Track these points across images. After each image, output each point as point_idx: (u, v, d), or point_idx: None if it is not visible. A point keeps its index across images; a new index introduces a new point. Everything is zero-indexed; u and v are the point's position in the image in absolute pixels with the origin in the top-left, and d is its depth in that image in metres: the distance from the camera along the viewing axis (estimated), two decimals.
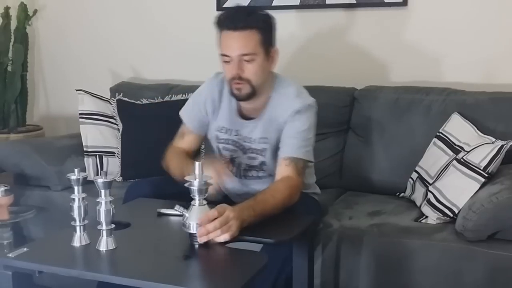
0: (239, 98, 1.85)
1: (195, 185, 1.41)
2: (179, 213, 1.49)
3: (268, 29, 1.83)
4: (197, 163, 1.42)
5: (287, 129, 1.83)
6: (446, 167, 2.07)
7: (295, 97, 1.85)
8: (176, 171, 1.86)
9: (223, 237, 1.42)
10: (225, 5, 2.87)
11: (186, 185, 1.43)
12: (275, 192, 1.67)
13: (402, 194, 2.32)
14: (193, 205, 1.44)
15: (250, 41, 1.77)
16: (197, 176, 1.40)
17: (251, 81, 1.80)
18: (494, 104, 2.26)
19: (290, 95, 1.86)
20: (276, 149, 1.87)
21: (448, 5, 2.53)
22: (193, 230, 1.42)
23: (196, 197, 1.43)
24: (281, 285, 1.68)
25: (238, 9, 1.86)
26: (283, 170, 1.78)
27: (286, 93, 1.87)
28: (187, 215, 1.43)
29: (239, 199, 1.94)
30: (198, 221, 1.41)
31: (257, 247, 1.52)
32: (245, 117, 1.93)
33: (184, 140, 2.02)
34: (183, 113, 2.04)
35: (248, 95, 1.83)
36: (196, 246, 1.42)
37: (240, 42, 1.76)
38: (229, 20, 1.78)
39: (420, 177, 2.19)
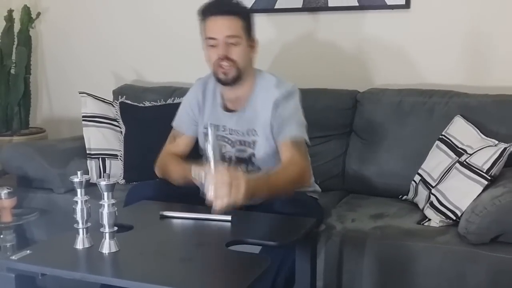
0: (225, 82, 1.91)
1: (209, 149, 1.42)
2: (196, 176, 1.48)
3: (249, 19, 1.93)
4: (209, 126, 1.44)
5: (276, 118, 1.88)
6: (449, 169, 2.07)
7: (275, 87, 1.92)
8: (176, 174, 1.90)
9: (229, 198, 1.41)
10: None
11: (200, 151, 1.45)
12: (286, 170, 1.73)
13: (405, 197, 2.31)
14: (209, 167, 1.45)
15: (234, 24, 1.87)
16: (211, 141, 1.43)
17: (237, 63, 1.87)
18: (497, 106, 2.25)
19: (271, 86, 1.93)
20: (265, 141, 1.91)
21: (450, 7, 2.52)
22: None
23: (212, 162, 1.44)
24: (280, 286, 1.68)
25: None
26: (288, 154, 1.82)
27: (267, 85, 1.93)
28: (203, 180, 1.45)
29: None
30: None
31: (255, 249, 1.52)
32: (229, 110, 1.98)
33: (177, 143, 2.07)
34: (175, 121, 2.11)
35: (234, 79, 1.89)
36: (213, 210, 1.43)
37: (226, 24, 1.87)
38: (214, 6, 1.90)
39: (423, 180, 2.19)
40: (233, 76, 1.88)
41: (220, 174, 1.44)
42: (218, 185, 1.42)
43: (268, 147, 1.90)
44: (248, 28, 1.91)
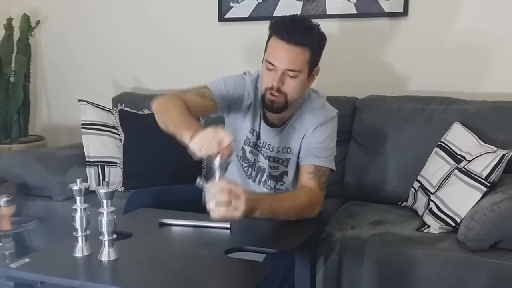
0: (269, 109, 1.83)
1: (216, 161, 1.44)
2: (200, 186, 1.48)
3: (318, 50, 1.80)
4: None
5: (309, 141, 1.84)
6: (448, 176, 2.07)
7: (319, 110, 1.86)
8: (170, 120, 1.63)
9: (225, 214, 1.43)
10: (226, 16, 2.89)
11: (206, 161, 1.45)
12: (295, 196, 1.69)
13: (404, 204, 2.31)
14: (214, 180, 1.46)
15: (299, 59, 1.74)
16: (219, 154, 1.44)
17: (287, 96, 1.77)
18: (495, 113, 2.26)
19: (315, 109, 1.86)
20: (297, 161, 1.88)
21: (448, 15, 2.54)
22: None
23: (217, 173, 1.45)
24: None
25: (297, 21, 1.75)
26: (305, 180, 1.78)
27: (312, 108, 1.87)
28: (206, 188, 1.45)
29: None
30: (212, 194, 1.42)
31: (259, 257, 1.52)
32: (268, 123, 1.90)
33: (198, 98, 1.77)
34: (212, 83, 1.84)
35: (279, 109, 1.80)
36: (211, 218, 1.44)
37: (290, 56, 1.72)
38: (285, 30, 1.72)
39: (422, 187, 2.19)
40: (279, 107, 1.79)
41: (220, 192, 1.43)
42: (218, 203, 1.42)
43: (298, 167, 1.86)
44: (314, 60, 1.78)
